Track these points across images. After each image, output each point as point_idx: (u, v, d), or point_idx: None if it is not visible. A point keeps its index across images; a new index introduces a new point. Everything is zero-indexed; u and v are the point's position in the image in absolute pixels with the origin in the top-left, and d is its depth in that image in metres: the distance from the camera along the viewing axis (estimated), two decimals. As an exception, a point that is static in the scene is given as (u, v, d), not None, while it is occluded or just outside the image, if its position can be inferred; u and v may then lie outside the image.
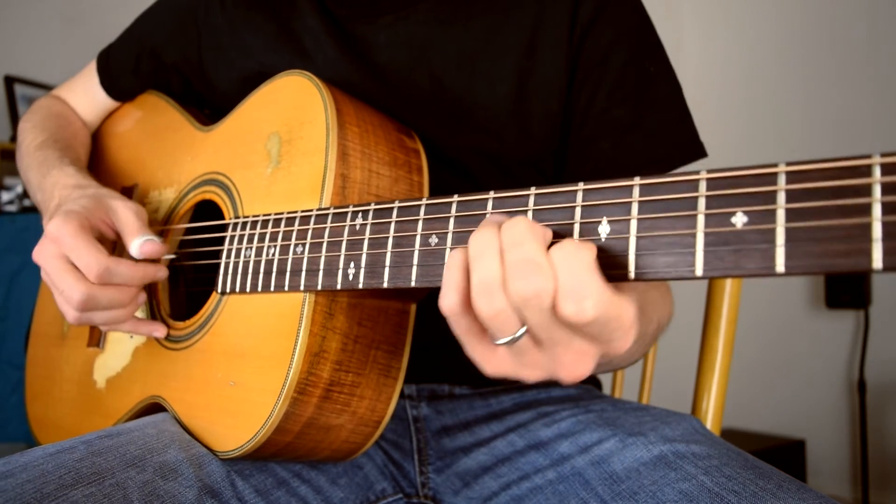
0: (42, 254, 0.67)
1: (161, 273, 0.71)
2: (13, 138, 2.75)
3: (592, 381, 0.89)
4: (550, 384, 0.81)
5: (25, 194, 2.61)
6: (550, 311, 0.39)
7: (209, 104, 0.92)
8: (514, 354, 0.43)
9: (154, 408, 0.72)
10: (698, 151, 0.73)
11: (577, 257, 0.38)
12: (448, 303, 0.42)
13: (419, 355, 0.70)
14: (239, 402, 0.62)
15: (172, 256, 0.76)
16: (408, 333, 0.67)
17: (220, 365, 0.66)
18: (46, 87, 2.84)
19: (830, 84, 2.84)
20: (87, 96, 0.99)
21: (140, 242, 0.69)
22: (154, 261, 0.72)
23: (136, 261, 0.69)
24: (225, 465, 0.63)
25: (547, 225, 0.43)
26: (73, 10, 2.94)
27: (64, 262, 0.66)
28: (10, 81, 2.77)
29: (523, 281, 0.38)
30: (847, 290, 2.68)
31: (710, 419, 0.88)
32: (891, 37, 2.68)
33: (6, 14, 2.80)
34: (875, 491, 2.63)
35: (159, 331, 0.72)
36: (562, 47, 0.74)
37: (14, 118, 2.76)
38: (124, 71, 0.95)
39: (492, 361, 0.44)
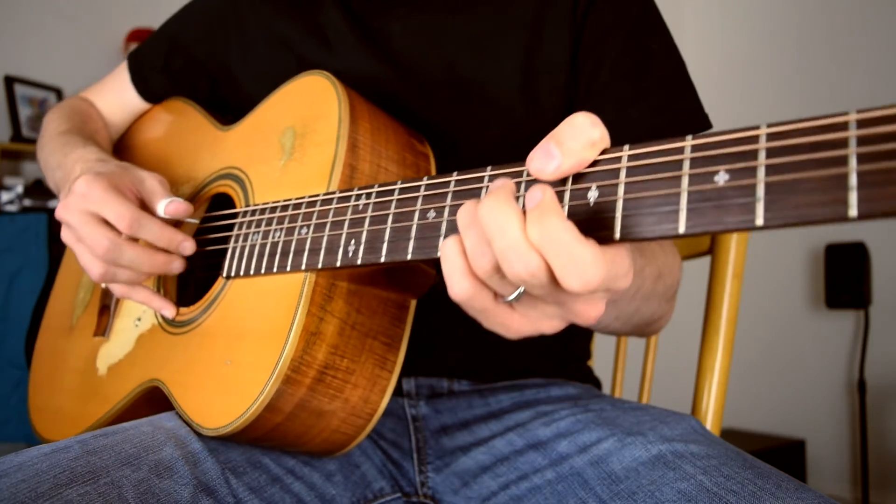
0: (68, 208, 0.69)
1: (188, 244, 0.72)
2: (13, 138, 2.75)
3: (591, 380, 0.89)
4: (549, 384, 0.81)
5: (26, 194, 2.61)
6: (552, 285, 0.40)
7: (233, 106, 0.94)
8: (527, 310, 0.44)
9: (153, 391, 0.72)
10: (703, 123, 0.74)
11: (561, 234, 0.38)
12: (459, 288, 0.43)
13: (418, 349, 0.70)
14: (233, 379, 0.63)
15: (196, 221, 0.78)
16: (406, 328, 0.67)
17: (218, 346, 0.66)
18: (46, 87, 2.84)
19: (825, 69, 2.84)
20: (115, 96, 1.01)
21: (166, 202, 0.72)
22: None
23: (165, 224, 0.71)
24: (220, 462, 0.63)
25: None
26: (73, 10, 2.94)
27: (91, 216, 0.68)
28: (10, 81, 2.77)
29: (517, 264, 0.39)
30: (847, 290, 2.68)
31: (710, 419, 0.88)
32: (887, 25, 2.68)
33: (6, 14, 2.80)
34: (875, 491, 2.62)
35: (169, 309, 0.74)
36: (565, 25, 0.77)
37: (14, 118, 2.76)
38: (154, 69, 0.97)
39: (511, 326, 0.45)
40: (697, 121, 0.73)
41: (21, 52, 2.81)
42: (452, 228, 0.48)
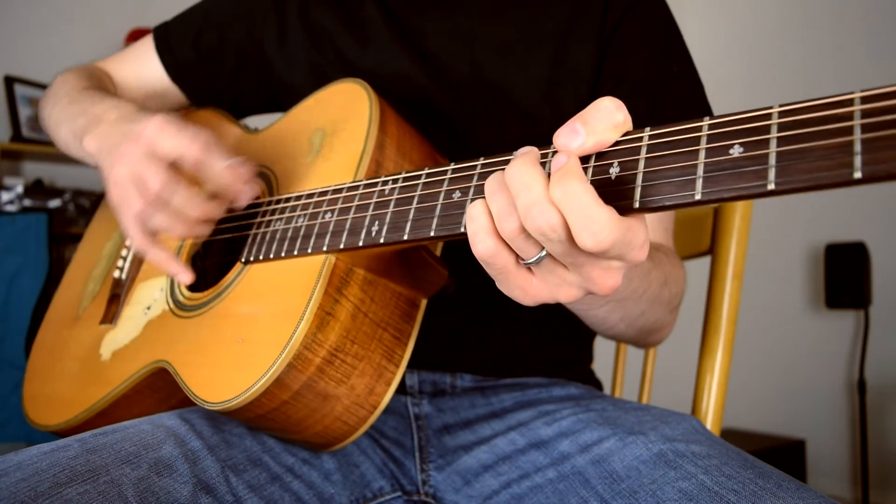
0: (140, 139, 0.67)
1: (252, 187, 0.70)
2: (13, 138, 2.75)
3: (593, 382, 0.90)
4: (551, 384, 0.81)
5: (26, 194, 2.61)
6: (569, 243, 0.42)
7: (257, 92, 0.96)
8: (546, 274, 0.46)
9: (157, 375, 0.72)
10: None
11: (581, 196, 0.40)
12: (483, 246, 0.45)
13: (422, 343, 0.70)
14: (244, 355, 0.63)
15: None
16: (415, 325, 0.68)
17: (230, 325, 0.67)
18: (46, 88, 2.84)
19: (826, 66, 2.84)
20: (135, 68, 0.99)
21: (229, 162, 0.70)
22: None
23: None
24: (219, 460, 0.63)
25: None
26: (73, 10, 2.94)
27: (155, 156, 0.67)
28: (10, 81, 2.77)
29: (540, 218, 0.41)
30: (847, 290, 2.68)
31: (710, 419, 0.88)
32: (889, 20, 2.68)
33: (6, 14, 2.80)
34: (875, 491, 2.62)
35: (186, 274, 0.73)
36: (592, 41, 0.80)
37: (14, 118, 2.76)
38: (184, 41, 0.96)
39: (529, 291, 0.47)
40: None
41: (21, 52, 2.82)
42: None
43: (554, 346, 0.86)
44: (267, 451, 0.68)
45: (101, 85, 0.93)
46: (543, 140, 0.48)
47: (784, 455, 2.70)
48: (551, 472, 0.66)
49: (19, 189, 2.56)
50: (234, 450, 0.66)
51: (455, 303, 0.74)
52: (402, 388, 0.81)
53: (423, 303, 0.69)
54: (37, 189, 2.70)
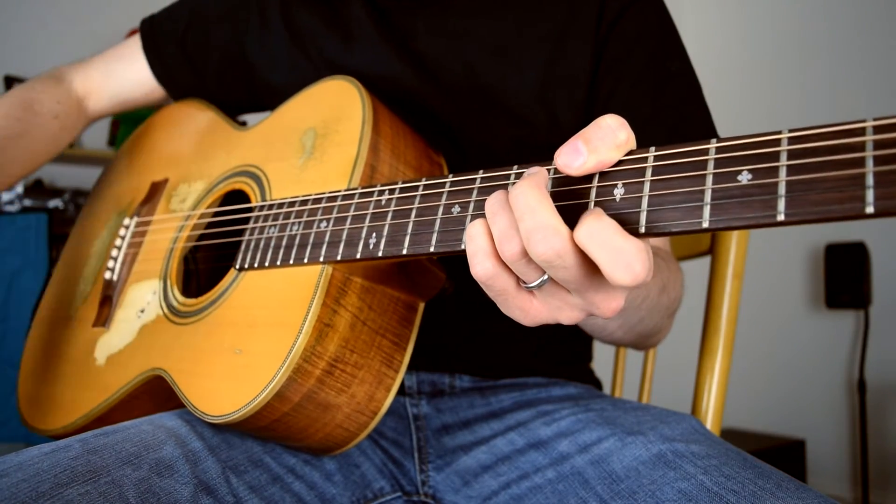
0: None
1: None
2: (13, 138, 2.75)
3: (592, 381, 0.90)
4: (550, 384, 0.81)
5: (26, 194, 2.61)
6: (576, 269, 0.40)
7: (241, 92, 0.95)
8: (547, 297, 0.45)
9: (154, 382, 0.72)
10: None
11: (605, 232, 0.39)
12: (481, 268, 0.44)
13: (422, 344, 0.70)
14: (243, 367, 0.63)
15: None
16: (413, 330, 0.68)
17: (227, 335, 0.66)
18: (46, 87, 2.84)
19: (825, 69, 2.84)
20: (120, 63, 0.98)
21: None
22: None
23: None
24: (220, 461, 0.63)
25: (565, 189, 0.45)
26: (73, 9, 2.94)
27: None
28: (10, 81, 2.77)
29: (543, 244, 0.40)
30: (847, 290, 2.67)
31: (710, 419, 0.88)
32: (888, 25, 2.68)
33: (6, 14, 2.80)
34: (875, 491, 2.62)
35: None
36: (588, 40, 0.78)
37: (14, 118, 2.75)
38: (171, 38, 0.96)
39: (530, 312, 0.46)
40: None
41: (21, 52, 2.82)
42: None
43: (552, 345, 0.86)
44: (268, 451, 0.68)
45: (24, 118, 0.86)
46: (538, 142, 0.47)
47: (784, 455, 2.70)
48: (550, 472, 0.66)
49: (19, 189, 2.56)
50: (235, 450, 0.66)
51: (453, 303, 0.74)
52: (400, 389, 0.81)
53: (421, 306, 0.68)
54: (37, 189, 2.70)
